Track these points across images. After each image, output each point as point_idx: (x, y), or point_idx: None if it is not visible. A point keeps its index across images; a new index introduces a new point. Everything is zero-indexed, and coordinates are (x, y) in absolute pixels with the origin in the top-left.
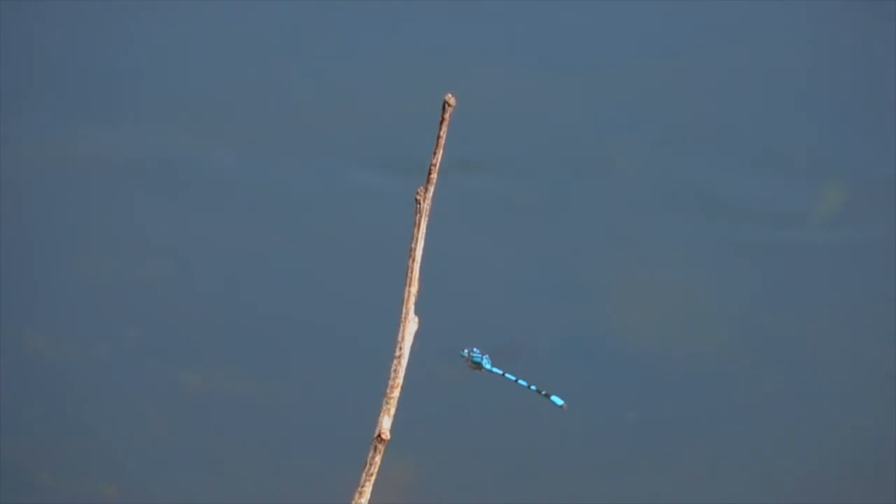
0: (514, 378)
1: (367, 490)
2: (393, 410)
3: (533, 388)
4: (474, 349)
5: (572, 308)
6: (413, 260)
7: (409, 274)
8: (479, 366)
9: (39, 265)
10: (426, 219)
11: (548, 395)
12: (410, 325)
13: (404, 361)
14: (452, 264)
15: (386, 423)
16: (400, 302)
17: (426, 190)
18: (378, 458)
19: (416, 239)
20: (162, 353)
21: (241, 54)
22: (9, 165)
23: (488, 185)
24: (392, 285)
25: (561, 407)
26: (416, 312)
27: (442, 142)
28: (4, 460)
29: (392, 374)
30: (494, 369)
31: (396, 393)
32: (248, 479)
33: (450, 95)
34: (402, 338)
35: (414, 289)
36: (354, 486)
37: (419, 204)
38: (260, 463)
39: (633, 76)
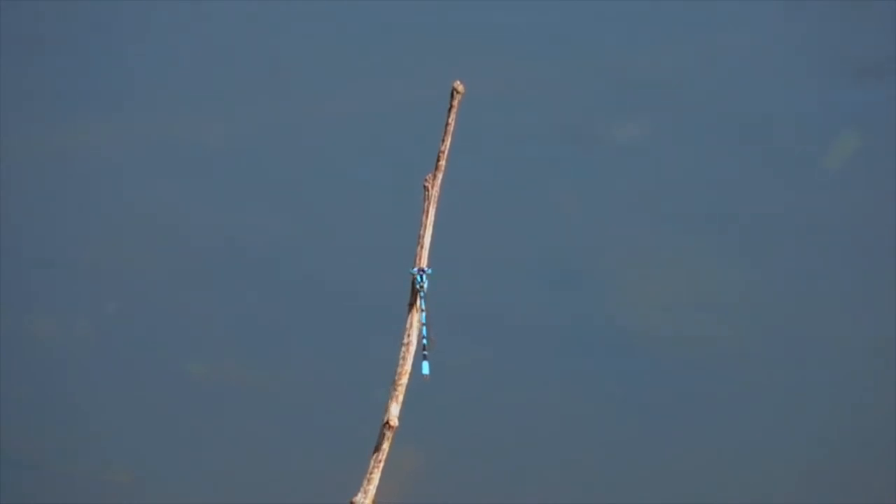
0: (424, 323)
1: (376, 477)
2: (401, 398)
3: (424, 341)
4: (427, 270)
5: (574, 291)
6: (421, 247)
7: (418, 261)
8: (415, 292)
9: (41, 258)
10: (434, 206)
11: (425, 357)
12: (418, 313)
13: (412, 349)
14: (459, 252)
15: (394, 411)
16: (408, 288)
17: (434, 177)
18: (386, 445)
19: (425, 226)
20: (169, 343)
21: (237, 47)
22: (8, 163)
23: (494, 174)
24: (400, 273)
25: (423, 376)
26: (426, 299)
27: (450, 129)
28: (17, 450)
29: (400, 362)
30: (423, 305)
31: (405, 380)
32: (257, 467)
33: (458, 83)
34: (410, 325)
35: None
36: (363, 472)
37: (427, 191)
38: (268, 451)
39: (631, 65)
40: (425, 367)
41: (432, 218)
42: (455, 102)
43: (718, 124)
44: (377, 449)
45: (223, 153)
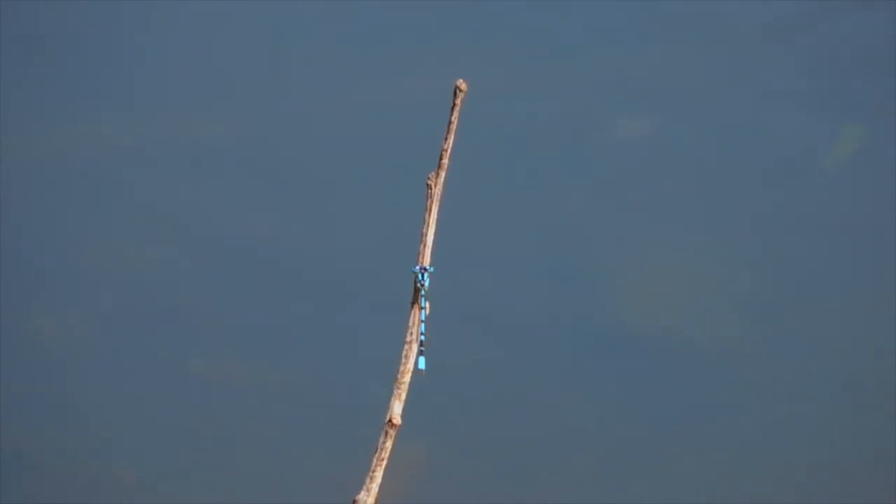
0: (423, 320)
1: (379, 475)
2: (404, 395)
3: (422, 337)
4: (429, 268)
5: (576, 290)
6: (424, 245)
7: (420, 258)
8: (417, 290)
9: (41, 257)
10: (437, 204)
11: (422, 353)
12: (420, 311)
13: (415, 347)
14: (461, 251)
15: (397, 409)
16: (410, 287)
17: (437, 175)
18: (389, 444)
19: (427, 224)
20: (170, 343)
21: (238, 46)
22: (8, 163)
23: (497, 173)
24: (402, 271)
25: (419, 371)
26: (427, 297)
27: (453, 127)
28: (17, 450)
29: (402, 360)
30: (424, 304)
31: (407, 378)
32: (257, 466)
33: (461, 81)
34: (413, 324)
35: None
36: (364, 471)
37: (430, 189)
38: (269, 450)
39: (629, 54)
40: (421, 363)
41: (435, 216)
42: (458, 101)
43: (720, 123)
44: (380, 447)
45: (223, 152)
